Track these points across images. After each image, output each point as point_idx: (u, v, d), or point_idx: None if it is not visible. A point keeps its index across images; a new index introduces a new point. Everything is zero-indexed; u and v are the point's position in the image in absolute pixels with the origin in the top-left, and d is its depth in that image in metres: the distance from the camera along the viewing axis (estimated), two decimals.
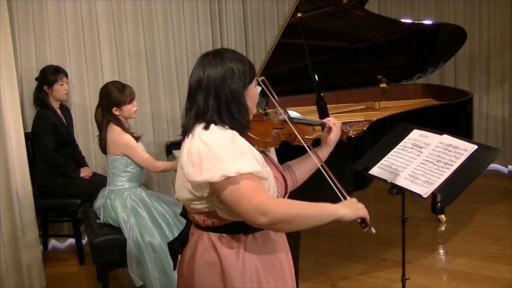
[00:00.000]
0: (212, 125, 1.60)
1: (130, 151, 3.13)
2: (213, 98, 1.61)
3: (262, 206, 1.51)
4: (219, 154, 1.53)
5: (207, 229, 1.69)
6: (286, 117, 1.85)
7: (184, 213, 1.83)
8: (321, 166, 1.80)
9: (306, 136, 1.87)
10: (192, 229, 1.77)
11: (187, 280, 1.73)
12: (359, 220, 1.63)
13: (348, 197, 1.68)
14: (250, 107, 1.69)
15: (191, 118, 1.65)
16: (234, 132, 1.60)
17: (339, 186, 1.71)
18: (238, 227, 1.64)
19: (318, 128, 2.02)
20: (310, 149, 1.84)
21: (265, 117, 1.86)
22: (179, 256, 1.83)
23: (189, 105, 1.67)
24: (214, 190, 1.58)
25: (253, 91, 1.70)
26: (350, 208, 1.61)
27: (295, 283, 1.82)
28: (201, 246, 1.69)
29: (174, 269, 1.90)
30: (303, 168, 1.95)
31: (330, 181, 1.72)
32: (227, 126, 1.61)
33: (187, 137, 1.65)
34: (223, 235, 1.67)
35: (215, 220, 1.66)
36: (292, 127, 1.83)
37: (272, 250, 1.73)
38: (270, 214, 1.51)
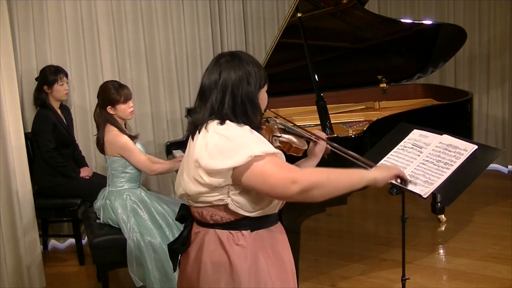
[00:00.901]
0: (228, 121, 1.63)
1: (127, 154, 3.11)
2: (229, 98, 1.65)
3: (291, 175, 1.54)
4: (241, 141, 1.58)
5: (215, 225, 1.69)
6: (285, 126, 1.94)
7: (182, 216, 1.83)
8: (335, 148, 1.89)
9: (299, 147, 1.96)
10: (195, 228, 1.77)
11: (191, 279, 1.73)
12: (396, 181, 1.65)
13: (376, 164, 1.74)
14: None
15: (206, 114, 1.67)
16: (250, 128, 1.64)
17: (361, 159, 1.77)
18: (246, 224, 1.66)
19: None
20: (309, 144, 1.94)
21: (266, 124, 1.92)
22: (180, 256, 1.83)
23: (201, 103, 1.69)
24: (235, 176, 1.59)
25: (264, 95, 1.74)
26: (382, 170, 1.64)
27: (296, 281, 1.82)
28: (208, 244, 1.69)
29: (174, 271, 1.89)
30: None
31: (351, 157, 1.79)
32: (242, 124, 1.64)
33: (199, 132, 1.66)
34: (231, 232, 1.67)
35: (224, 215, 1.67)
36: (291, 136, 1.92)
37: (277, 248, 1.74)
38: (301, 181, 1.53)
